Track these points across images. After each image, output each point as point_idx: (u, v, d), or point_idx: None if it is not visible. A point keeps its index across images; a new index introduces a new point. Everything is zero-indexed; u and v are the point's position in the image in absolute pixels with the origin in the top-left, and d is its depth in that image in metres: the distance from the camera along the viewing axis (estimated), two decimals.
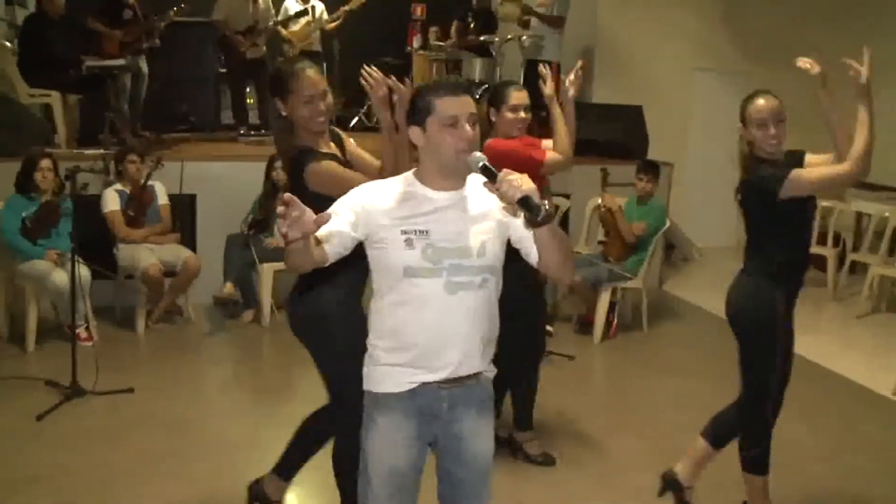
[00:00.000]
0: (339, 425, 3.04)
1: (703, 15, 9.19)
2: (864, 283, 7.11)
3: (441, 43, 9.09)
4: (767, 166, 3.14)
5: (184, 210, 6.42)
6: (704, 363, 5.63)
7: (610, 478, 3.97)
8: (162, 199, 6.05)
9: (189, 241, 6.32)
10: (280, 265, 6.11)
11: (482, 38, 8.35)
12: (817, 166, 3.18)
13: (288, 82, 2.87)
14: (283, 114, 2.93)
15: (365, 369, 2.40)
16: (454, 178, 2.31)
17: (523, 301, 3.63)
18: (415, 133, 2.31)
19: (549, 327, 6.20)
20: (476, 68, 8.32)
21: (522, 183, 2.09)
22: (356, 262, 2.37)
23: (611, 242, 6.27)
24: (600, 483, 3.93)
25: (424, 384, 2.30)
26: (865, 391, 5.29)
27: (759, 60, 9.22)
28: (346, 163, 3.01)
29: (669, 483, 3.66)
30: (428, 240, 2.23)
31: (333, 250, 2.21)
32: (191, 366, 5.40)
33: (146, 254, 5.74)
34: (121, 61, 7.15)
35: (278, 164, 6.09)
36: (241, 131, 8.12)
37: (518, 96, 3.75)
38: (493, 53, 8.33)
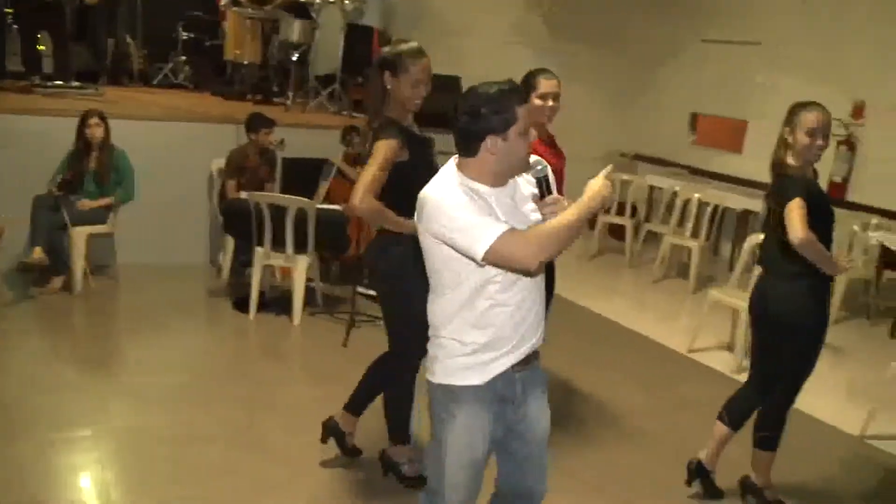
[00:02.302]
0: (394, 373, 3.54)
1: None
2: (658, 252, 7.76)
3: None
4: (785, 182, 3.40)
5: None
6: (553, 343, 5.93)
7: None
8: None
9: None
10: (93, 228, 5.76)
11: None
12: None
13: (404, 62, 3.19)
14: (388, 87, 3.22)
15: (438, 364, 2.47)
16: (510, 178, 2.42)
17: None
18: (493, 141, 2.29)
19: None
20: (294, 30, 8.17)
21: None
22: None
23: None
24: None
25: (501, 373, 2.42)
26: (664, 349, 5.85)
27: (573, 41, 9.71)
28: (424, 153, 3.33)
29: (696, 470, 3.84)
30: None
31: None
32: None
33: None
34: None
35: (92, 120, 5.71)
36: (35, 81, 7.48)
37: (548, 84, 3.85)
38: (313, 15, 8.20)
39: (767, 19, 8.72)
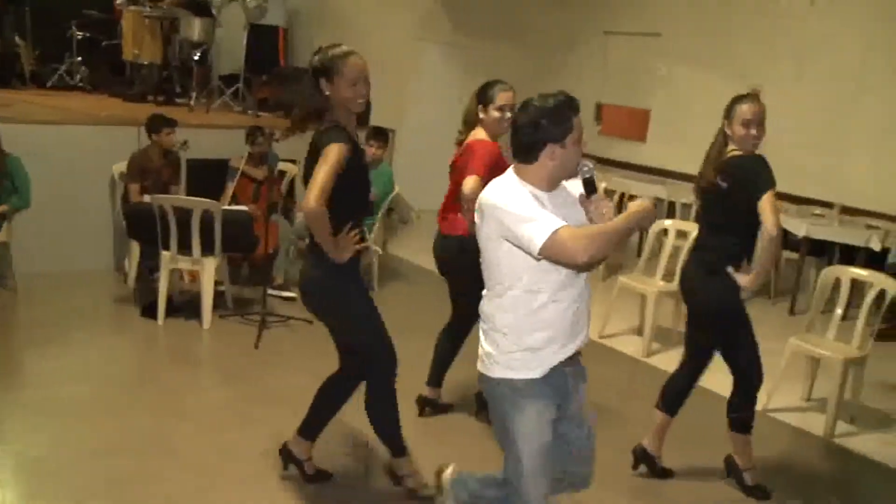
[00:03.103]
0: (371, 380, 3.42)
1: None
2: None
3: None
4: (743, 160, 3.60)
5: None
6: (434, 320, 5.94)
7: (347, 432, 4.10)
8: None
9: None
10: None
11: None
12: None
13: (336, 65, 3.11)
14: (327, 93, 3.14)
15: (496, 359, 2.62)
16: (562, 182, 2.61)
17: None
18: (552, 149, 2.49)
19: (287, 293, 6.24)
20: (195, 28, 8.01)
21: (607, 214, 2.55)
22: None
23: None
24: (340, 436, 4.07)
25: (553, 368, 2.60)
26: None
27: (477, 35, 9.78)
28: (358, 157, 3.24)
29: (641, 456, 3.97)
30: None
31: None
32: None
33: None
34: None
35: None
36: None
37: (505, 96, 3.95)
38: (214, 13, 8.04)
39: (666, 11, 8.96)
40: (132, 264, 6.14)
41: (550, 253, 2.38)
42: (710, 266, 3.68)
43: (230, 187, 6.43)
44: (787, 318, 6.88)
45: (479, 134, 4.03)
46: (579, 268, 2.51)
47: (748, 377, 3.76)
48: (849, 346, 4.78)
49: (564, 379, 2.68)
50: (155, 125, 6.03)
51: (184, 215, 5.34)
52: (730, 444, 3.93)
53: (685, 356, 3.94)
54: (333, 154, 3.05)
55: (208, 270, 5.51)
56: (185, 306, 5.76)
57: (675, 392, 3.90)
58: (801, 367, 5.09)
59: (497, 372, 2.63)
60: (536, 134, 2.49)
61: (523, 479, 2.62)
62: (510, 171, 2.59)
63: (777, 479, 4.06)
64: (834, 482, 4.26)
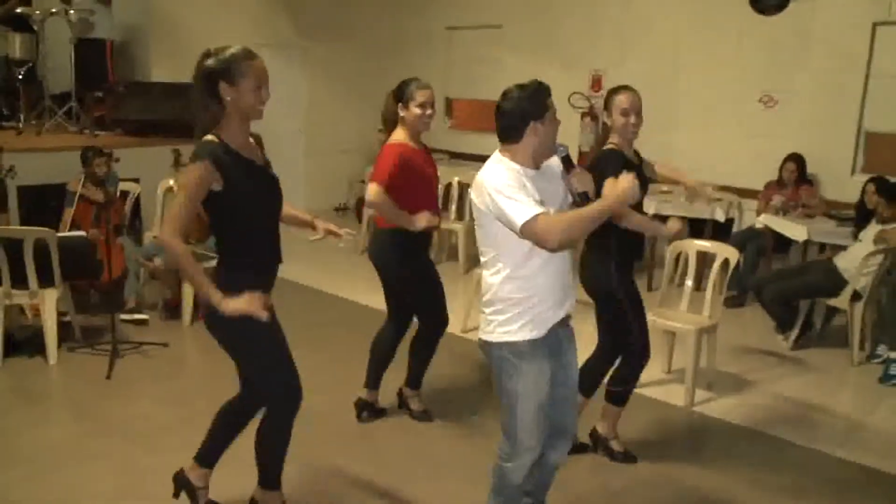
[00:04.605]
0: (273, 412, 3.20)
1: None
2: None
3: None
4: (598, 157, 3.78)
5: None
6: (302, 331, 5.79)
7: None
8: None
9: None
10: None
11: (20, 11, 7.57)
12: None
13: (240, 67, 2.86)
14: (228, 98, 2.87)
15: (498, 326, 2.87)
16: (544, 160, 2.90)
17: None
18: (534, 127, 2.80)
19: (140, 316, 5.97)
20: (16, 45, 7.54)
21: (587, 181, 2.89)
22: (263, 249, 3.03)
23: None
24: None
25: (550, 329, 2.89)
26: None
27: (314, 36, 9.65)
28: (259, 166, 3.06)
29: None
30: (545, 206, 2.73)
31: None
32: None
33: None
34: None
35: None
36: None
37: (424, 93, 4.04)
38: (35, 28, 7.59)
39: (506, 3, 9.09)
40: None
41: (527, 235, 2.67)
42: (605, 251, 3.79)
43: (69, 213, 6.07)
44: (645, 295, 7.02)
45: (397, 135, 4.07)
46: (551, 251, 2.75)
47: (636, 353, 3.91)
48: (701, 315, 4.96)
49: (558, 342, 2.97)
50: None
51: (14, 246, 4.98)
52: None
53: (599, 341, 4.05)
54: (188, 179, 2.82)
55: (49, 302, 5.17)
56: (28, 343, 5.39)
57: (591, 376, 4.03)
58: (660, 341, 5.23)
59: (500, 336, 2.87)
60: (520, 114, 2.79)
61: (518, 430, 2.91)
62: (498, 154, 2.86)
63: (642, 451, 4.16)
64: (695, 448, 4.41)
